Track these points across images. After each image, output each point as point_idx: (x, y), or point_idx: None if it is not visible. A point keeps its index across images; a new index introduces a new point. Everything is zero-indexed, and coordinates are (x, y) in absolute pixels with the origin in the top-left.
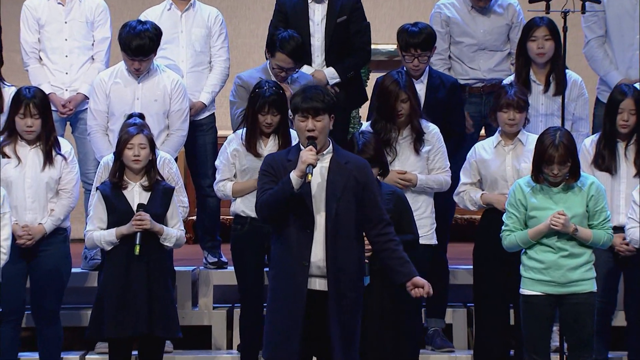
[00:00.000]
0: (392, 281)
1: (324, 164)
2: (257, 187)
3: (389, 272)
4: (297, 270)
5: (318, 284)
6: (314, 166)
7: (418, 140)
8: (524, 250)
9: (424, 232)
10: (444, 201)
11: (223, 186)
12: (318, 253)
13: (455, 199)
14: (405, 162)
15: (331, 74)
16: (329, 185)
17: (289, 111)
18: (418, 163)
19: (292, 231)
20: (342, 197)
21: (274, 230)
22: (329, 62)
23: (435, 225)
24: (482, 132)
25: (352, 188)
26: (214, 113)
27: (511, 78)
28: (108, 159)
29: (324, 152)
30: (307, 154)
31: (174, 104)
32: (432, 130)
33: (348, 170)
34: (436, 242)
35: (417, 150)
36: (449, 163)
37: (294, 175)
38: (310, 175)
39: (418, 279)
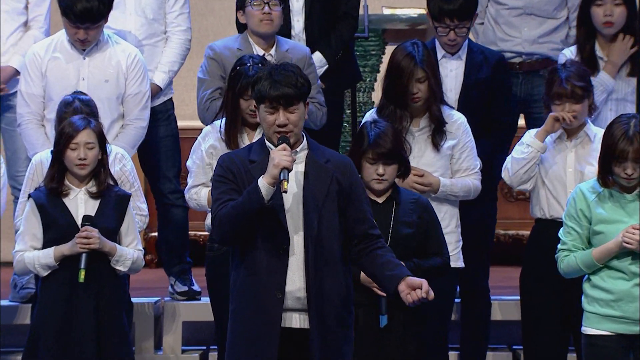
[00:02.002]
0: (384, 293)
1: (298, 165)
2: (212, 197)
3: (377, 282)
4: (268, 303)
5: (296, 320)
6: (289, 170)
7: (438, 132)
8: (587, 276)
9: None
10: (482, 210)
11: (196, 194)
12: (296, 280)
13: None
14: (420, 159)
15: (318, 62)
16: (308, 192)
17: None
18: (438, 162)
19: (261, 254)
20: (325, 208)
21: (236, 252)
22: (309, 29)
23: (461, 242)
24: (522, 122)
25: (336, 195)
26: (171, 98)
27: (571, 51)
28: (42, 156)
29: (298, 150)
30: (280, 155)
31: (131, 85)
32: (457, 119)
33: (330, 172)
34: (463, 265)
35: (436, 146)
36: (478, 163)
37: (263, 183)
38: (286, 183)
39: (412, 279)
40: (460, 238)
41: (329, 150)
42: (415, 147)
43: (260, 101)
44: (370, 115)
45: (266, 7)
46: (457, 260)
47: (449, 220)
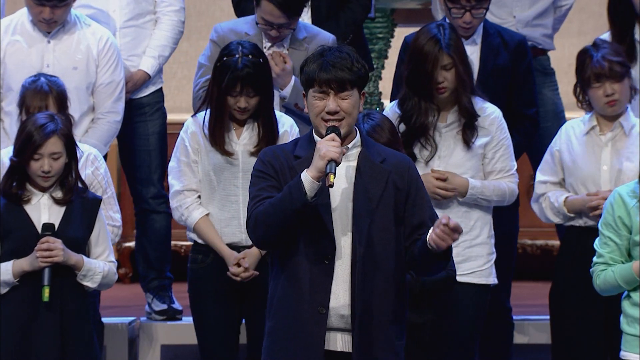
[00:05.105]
0: (420, 262)
1: (350, 162)
2: (250, 194)
3: (416, 260)
4: (311, 320)
5: (339, 342)
6: (337, 163)
7: (469, 127)
8: (626, 293)
9: (477, 265)
10: (502, 218)
11: (187, 210)
12: (340, 296)
13: (534, 207)
14: (449, 159)
15: None
16: (359, 193)
17: (284, 88)
18: (469, 162)
19: (302, 262)
20: (378, 212)
21: (275, 259)
22: (316, 7)
23: (494, 255)
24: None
25: (392, 199)
26: (161, 88)
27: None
28: (5, 155)
29: (349, 146)
30: (327, 146)
31: (102, 73)
32: (491, 113)
33: (385, 173)
34: (496, 282)
35: (467, 143)
36: (515, 164)
37: (307, 177)
38: (332, 177)
39: (435, 225)
40: (494, 250)
41: (384, 148)
42: (443, 146)
43: (308, 85)
44: (390, 108)
45: (273, 31)
46: (489, 276)
47: (480, 230)
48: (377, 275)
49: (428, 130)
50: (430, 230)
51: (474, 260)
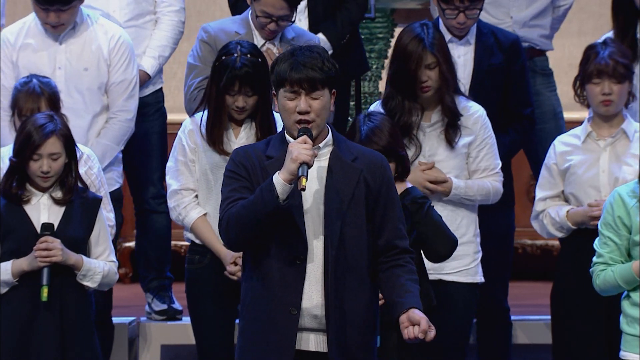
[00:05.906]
0: (389, 319)
1: (321, 162)
2: (222, 194)
3: (386, 305)
4: (282, 321)
5: (312, 342)
6: (309, 166)
7: (452, 126)
8: (626, 293)
9: (464, 264)
10: (498, 217)
11: (185, 209)
12: (313, 296)
13: (534, 224)
14: (433, 159)
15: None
16: (330, 193)
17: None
18: (452, 161)
19: (274, 263)
20: (350, 212)
21: (247, 261)
22: (313, 6)
23: (480, 253)
24: (571, 115)
25: (364, 199)
26: (161, 88)
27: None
28: (6, 151)
29: (321, 145)
30: (299, 148)
31: (114, 72)
32: (474, 112)
33: (357, 172)
34: (482, 280)
35: (450, 142)
36: (499, 162)
37: (279, 180)
38: (304, 180)
39: (414, 313)
40: (480, 249)
41: (357, 146)
42: (427, 145)
43: (279, 85)
44: (375, 107)
45: (272, 25)
46: (475, 274)
47: (465, 228)
48: (349, 275)
49: (412, 130)
50: (405, 319)
51: (461, 259)
